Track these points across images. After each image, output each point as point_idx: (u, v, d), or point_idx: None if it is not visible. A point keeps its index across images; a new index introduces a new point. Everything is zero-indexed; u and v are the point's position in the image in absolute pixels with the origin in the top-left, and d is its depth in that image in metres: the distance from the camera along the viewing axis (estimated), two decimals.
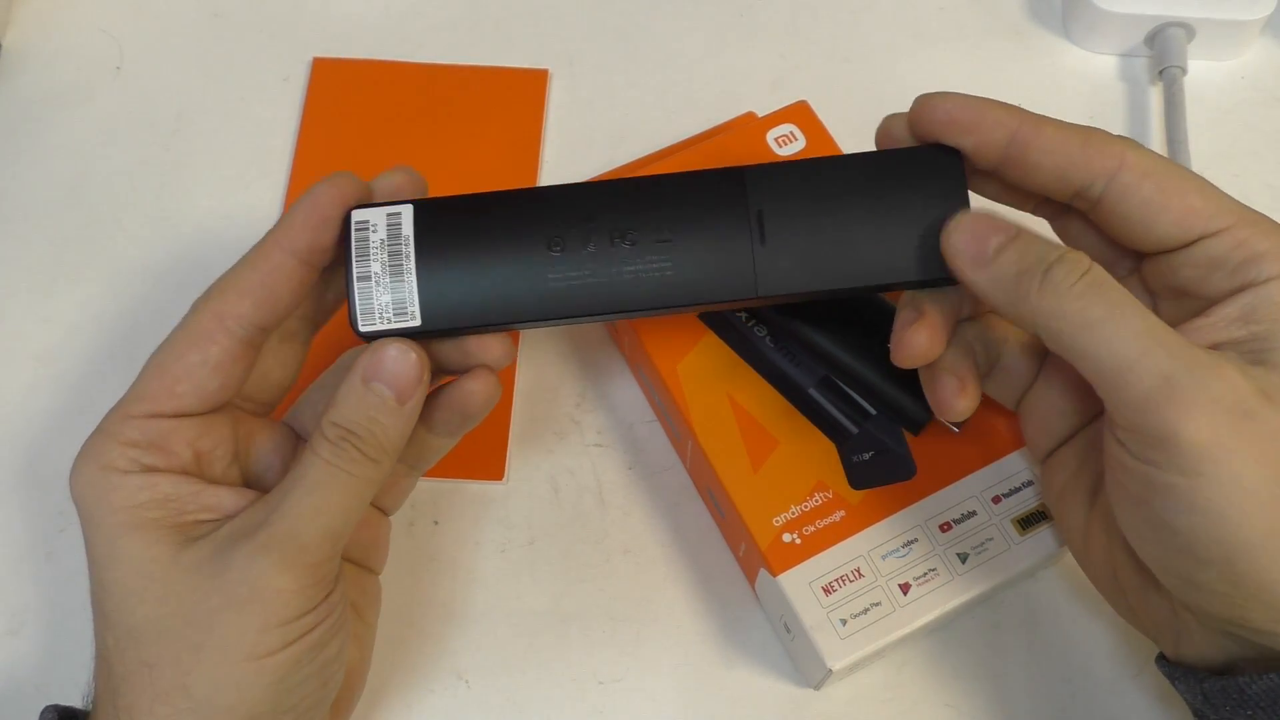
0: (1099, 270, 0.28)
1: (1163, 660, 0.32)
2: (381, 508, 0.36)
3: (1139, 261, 0.32)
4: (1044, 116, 0.30)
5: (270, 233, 0.31)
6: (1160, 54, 0.49)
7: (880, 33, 0.52)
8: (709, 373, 0.39)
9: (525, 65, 0.50)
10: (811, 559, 0.36)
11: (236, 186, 0.48)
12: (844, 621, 0.35)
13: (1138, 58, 0.51)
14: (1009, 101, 0.31)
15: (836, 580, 0.36)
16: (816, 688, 0.38)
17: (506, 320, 0.32)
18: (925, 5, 0.52)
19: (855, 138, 0.44)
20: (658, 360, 0.39)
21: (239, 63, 0.51)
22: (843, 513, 0.37)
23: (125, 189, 0.48)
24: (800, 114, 0.44)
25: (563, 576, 0.40)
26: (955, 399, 0.33)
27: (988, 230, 0.30)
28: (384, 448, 0.31)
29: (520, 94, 0.49)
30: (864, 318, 0.38)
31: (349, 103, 0.49)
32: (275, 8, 0.52)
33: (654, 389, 0.41)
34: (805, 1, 0.52)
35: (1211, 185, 0.30)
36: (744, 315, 0.40)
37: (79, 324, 0.45)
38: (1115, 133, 0.30)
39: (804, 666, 0.38)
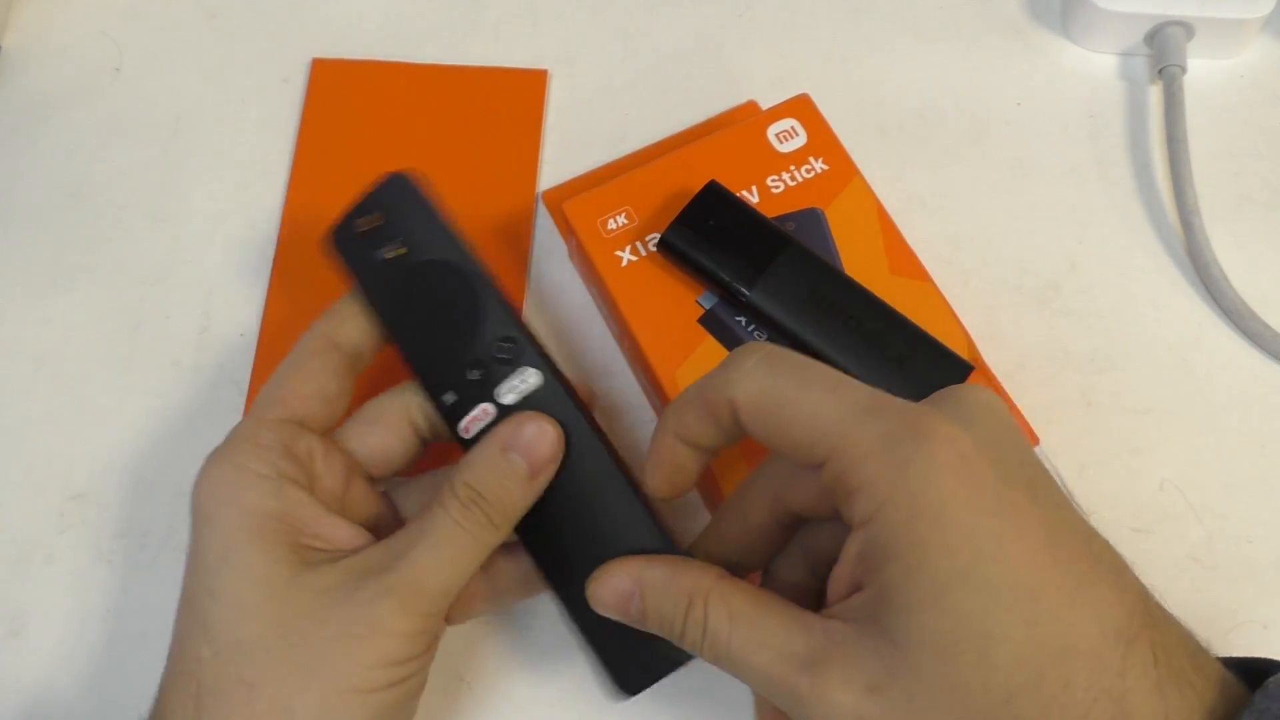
0: (714, 621, 0.29)
1: None
2: (448, 618, 0.35)
3: None
4: (682, 399, 0.31)
5: None
6: (1160, 53, 0.49)
7: (879, 31, 0.52)
8: None
9: (525, 65, 0.50)
10: None
11: (236, 187, 0.48)
12: None
13: (1137, 56, 0.51)
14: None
15: None
16: None
17: None
18: (924, 3, 0.52)
19: (853, 136, 0.45)
20: (657, 366, 0.39)
21: (238, 63, 0.51)
22: None
23: (125, 189, 0.48)
24: (802, 108, 0.44)
25: None
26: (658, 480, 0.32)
27: (621, 599, 0.31)
28: (507, 516, 0.32)
29: (520, 94, 0.49)
30: (862, 322, 0.38)
31: (348, 103, 0.49)
32: (274, 8, 0.52)
33: (654, 393, 0.41)
34: (804, 1, 0.52)
35: (821, 396, 0.27)
36: (743, 319, 0.40)
37: (79, 324, 0.45)
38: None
39: None
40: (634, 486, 0.34)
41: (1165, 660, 0.25)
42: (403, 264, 0.36)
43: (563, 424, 0.34)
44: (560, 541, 0.34)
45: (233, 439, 0.33)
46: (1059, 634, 0.25)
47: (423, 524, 0.32)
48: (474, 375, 0.35)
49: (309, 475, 0.33)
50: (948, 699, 0.25)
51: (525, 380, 0.34)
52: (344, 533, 0.33)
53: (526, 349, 0.35)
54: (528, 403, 0.34)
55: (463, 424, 0.34)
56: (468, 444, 0.34)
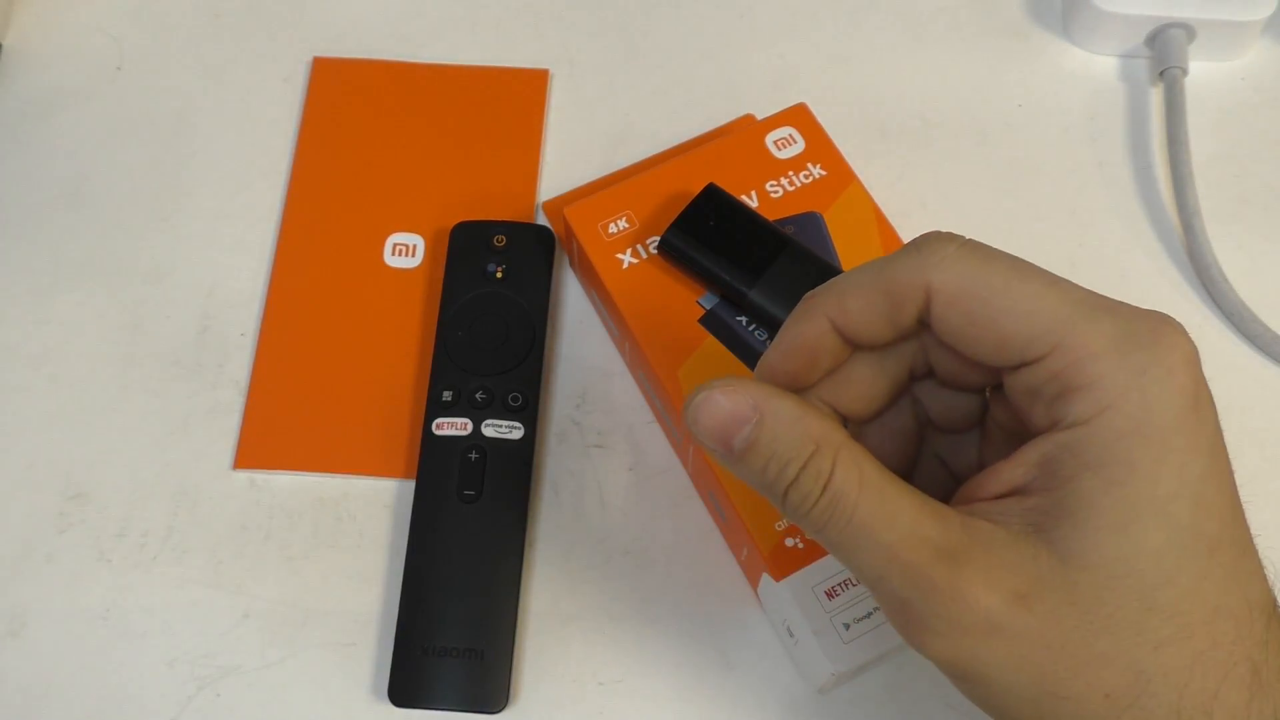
0: (840, 478, 0.25)
1: None
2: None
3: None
4: (847, 282, 0.27)
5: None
6: (1161, 55, 0.49)
7: (880, 33, 0.52)
8: (709, 377, 0.39)
9: (525, 65, 0.50)
10: (814, 563, 0.36)
11: (236, 186, 0.48)
12: (847, 626, 0.35)
13: (1138, 58, 0.51)
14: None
15: (839, 584, 0.36)
16: (820, 691, 0.38)
17: None
18: (925, 5, 0.52)
19: (854, 138, 0.45)
20: (657, 366, 0.39)
21: (239, 63, 0.51)
22: None
23: (125, 189, 0.48)
24: (799, 116, 0.44)
25: (563, 576, 0.40)
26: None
27: (730, 421, 0.26)
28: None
29: (520, 94, 0.49)
30: None
31: (349, 103, 0.49)
32: (275, 8, 0.52)
33: (654, 394, 0.41)
34: (805, 2, 0.52)
35: (1040, 289, 0.25)
36: (744, 319, 0.40)
37: (79, 324, 0.45)
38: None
39: (806, 669, 0.38)
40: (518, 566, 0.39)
41: None
42: (500, 283, 0.43)
43: (510, 476, 0.40)
44: (443, 590, 0.38)
45: None
46: (1221, 593, 0.24)
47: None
48: (480, 396, 0.40)
49: None
50: (1097, 629, 0.23)
51: (511, 430, 0.40)
52: None
53: (530, 409, 0.40)
54: (497, 445, 0.40)
55: (439, 420, 0.40)
56: (430, 437, 0.40)
